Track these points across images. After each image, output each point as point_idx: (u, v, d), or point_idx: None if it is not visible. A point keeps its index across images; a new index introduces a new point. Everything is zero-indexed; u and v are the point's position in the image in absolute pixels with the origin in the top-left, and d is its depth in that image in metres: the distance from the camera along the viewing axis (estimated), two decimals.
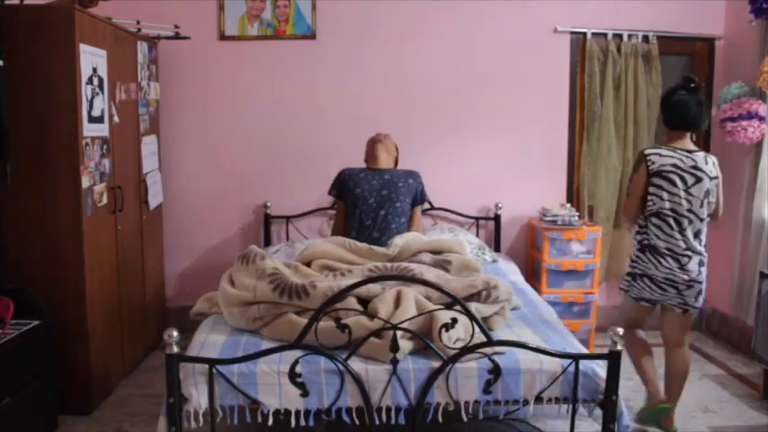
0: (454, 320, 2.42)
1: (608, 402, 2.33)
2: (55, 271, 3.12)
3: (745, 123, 3.89)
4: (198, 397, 2.32)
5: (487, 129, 4.49)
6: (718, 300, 4.49)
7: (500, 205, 4.50)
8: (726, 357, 4.14)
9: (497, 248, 4.50)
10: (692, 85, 2.93)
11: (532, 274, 4.47)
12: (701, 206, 2.89)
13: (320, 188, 4.49)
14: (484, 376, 2.37)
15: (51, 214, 3.10)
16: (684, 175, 2.85)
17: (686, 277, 2.91)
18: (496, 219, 4.51)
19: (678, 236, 2.89)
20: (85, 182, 3.12)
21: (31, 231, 3.11)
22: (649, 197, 2.91)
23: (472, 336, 2.40)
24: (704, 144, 4.59)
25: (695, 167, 2.86)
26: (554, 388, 2.40)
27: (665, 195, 2.87)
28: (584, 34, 4.40)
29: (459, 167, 4.52)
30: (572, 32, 4.43)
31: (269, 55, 4.37)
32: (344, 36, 4.38)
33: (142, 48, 3.88)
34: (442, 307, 2.49)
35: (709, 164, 2.89)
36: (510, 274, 3.82)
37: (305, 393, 2.34)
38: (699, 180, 2.85)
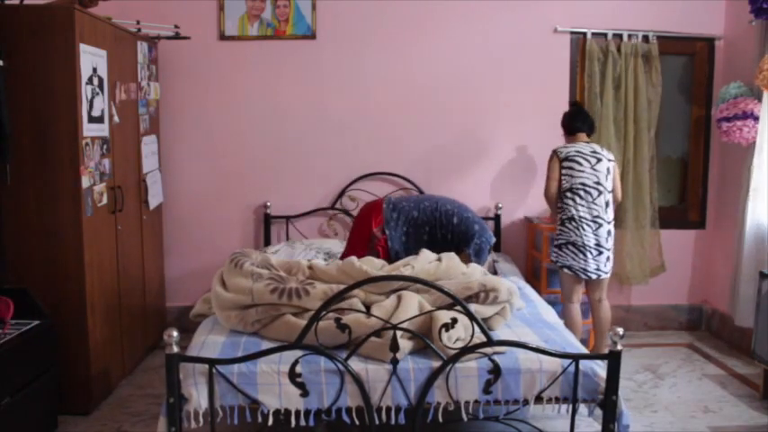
0: (454, 320, 2.42)
1: (608, 402, 2.33)
2: (55, 271, 3.12)
3: (740, 123, 3.89)
4: (198, 397, 2.32)
5: (487, 128, 4.49)
6: (719, 300, 4.49)
7: (500, 205, 4.50)
8: (726, 357, 4.14)
9: (497, 248, 4.50)
10: (576, 106, 3.93)
11: (532, 274, 4.47)
12: (606, 179, 3.61)
13: (320, 188, 4.50)
14: (484, 376, 2.37)
15: (51, 214, 3.09)
16: (587, 157, 3.60)
17: (594, 242, 3.57)
18: (496, 219, 4.51)
19: (589, 204, 3.57)
20: (85, 182, 3.12)
21: (31, 231, 3.10)
22: (563, 178, 3.63)
23: (472, 336, 2.40)
24: (704, 145, 4.61)
25: (594, 152, 3.63)
26: (554, 388, 2.40)
27: (575, 174, 3.59)
28: (584, 34, 4.40)
29: (460, 167, 4.51)
30: (572, 32, 4.43)
31: (269, 55, 4.37)
32: (344, 36, 4.38)
33: (142, 48, 3.88)
34: (442, 307, 2.49)
35: (605, 150, 3.69)
36: (510, 274, 3.83)
37: (305, 393, 2.34)
38: (599, 160, 3.61)
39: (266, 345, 2.49)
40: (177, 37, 4.12)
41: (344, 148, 4.46)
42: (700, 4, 4.44)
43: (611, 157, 3.69)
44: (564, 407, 2.44)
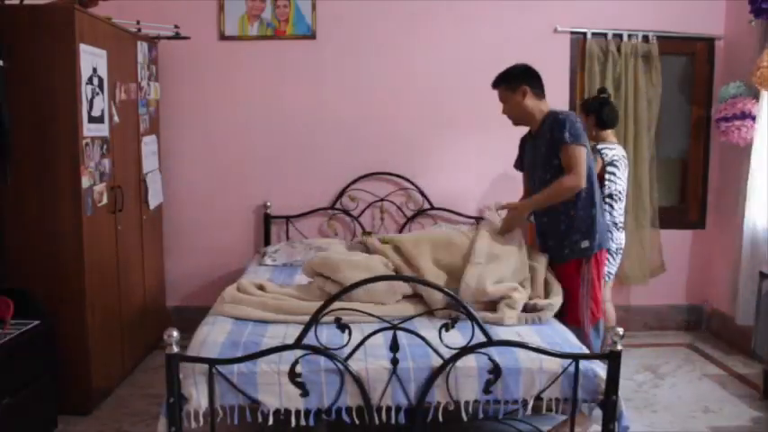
0: (454, 320, 2.42)
1: (608, 402, 2.33)
2: (55, 271, 3.12)
3: (738, 123, 3.89)
4: (198, 397, 2.32)
5: (487, 128, 4.47)
6: (719, 300, 4.49)
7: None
8: (726, 357, 4.14)
9: None
10: (607, 95, 3.80)
11: None
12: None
13: (320, 188, 4.50)
14: (484, 376, 2.37)
15: (51, 214, 3.09)
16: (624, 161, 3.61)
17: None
18: None
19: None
20: (85, 182, 3.12)
21: (31, 231, 3.11)
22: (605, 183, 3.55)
23: (472, 335, 2.40)
24: (704, 145, 4.61)
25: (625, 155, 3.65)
26: (554, 388, 2.40)
27: (617, 180, 3.59)
28: (585, 34, 4.40)
29: (459, 167, 4.52)
30: (572, 32, 4.43)
31: (269, 55, 4.37)
32: (344, 36, 4.38)
33: (142, 48, 3.88)
34: (441, 307, 2.49)
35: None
36: None
37: (305, 393, 2.34)
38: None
39: (266, 344, 2.49)
40: (177, 37, 4.12)
41: (345, 148, 4.46)
42: (700, 4, 4.44)
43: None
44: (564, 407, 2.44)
